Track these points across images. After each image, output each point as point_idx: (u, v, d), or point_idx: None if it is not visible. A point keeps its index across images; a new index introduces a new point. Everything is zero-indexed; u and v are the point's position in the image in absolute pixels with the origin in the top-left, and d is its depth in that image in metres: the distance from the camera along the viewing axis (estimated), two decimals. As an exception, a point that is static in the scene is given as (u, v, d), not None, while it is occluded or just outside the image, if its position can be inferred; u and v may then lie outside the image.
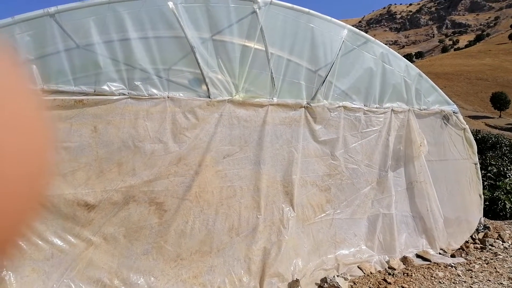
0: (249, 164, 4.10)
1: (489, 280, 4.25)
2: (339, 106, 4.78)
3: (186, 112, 3.75)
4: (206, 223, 3.79)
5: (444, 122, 5.94)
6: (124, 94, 3.45)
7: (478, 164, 6.25)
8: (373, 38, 5.10)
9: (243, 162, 4.07)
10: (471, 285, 4.12)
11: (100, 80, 3.39)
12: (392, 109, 5.26)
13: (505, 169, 10.85)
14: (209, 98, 3.89)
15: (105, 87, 3.37)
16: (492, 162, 11.65)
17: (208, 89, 3.89)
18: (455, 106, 6.10)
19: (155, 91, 3.61)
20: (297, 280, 3.92)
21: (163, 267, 3.51)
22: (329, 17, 4.64)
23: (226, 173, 3.96)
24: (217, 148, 3.90)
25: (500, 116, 69.50)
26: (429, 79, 5.76)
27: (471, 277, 4.36)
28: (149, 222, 3.50)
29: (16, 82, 0.47)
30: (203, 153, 3.81)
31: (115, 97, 3.40)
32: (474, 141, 6.20)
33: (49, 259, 3.07)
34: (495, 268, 4.60)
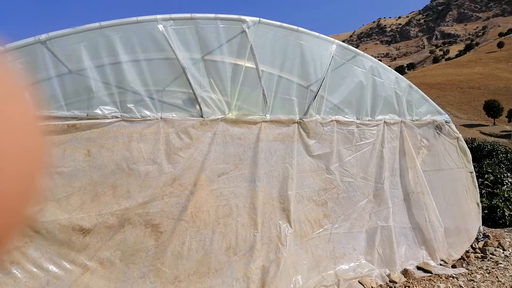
0: (244, 181, 4.10)
1: (491, 290, 4.21)
2: (332, 120, 4.82)
3: (179, 132, 3.77)
4: (203, 243, 3.76)
5: (437, 132, 5.98)
6: (117, 117, 3.47)
7: (474, 172, 6.28)
8: (362, 52, 5.18)
9: (238, 180, 4.07)
10: (474, 296, 4.08)
11: (93, 104, 3.41)
12: (384, 121, 5.30)
13: (502, 176, 10.89)
14: (202, 117, 3.92)
15: (98, 111, 3.39)
16: (489, 170, 11.68)
17: (200, 108, 3.92)
18: (447, 115, 6.16)
19: (147, 112, 3.64)
20: (297, 298, 3.87)
21: (160, 290, 3.46)
22: (317, 33, 4.72)
23: (222, 192, 3.95)
24: (212, 167, 3.91)
25: (494, 124, 70.06)
26: (420, 90, 5.84)
27: None
28: (145, 244, 3.47)
29: (20, 106, 0.48)
30: (197, 172, 3.81)
31: (108, 120, 3.42)
32: (468, 149, 6.24)
33: (44, 287, 3.03)
34: (496, 277, 4.56)
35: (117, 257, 3.32)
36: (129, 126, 3.53)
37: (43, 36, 3.12)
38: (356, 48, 5.31)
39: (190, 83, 3.83)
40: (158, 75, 3.83)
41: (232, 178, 4.03)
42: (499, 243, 5.61)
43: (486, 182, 10.36)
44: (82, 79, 3.39)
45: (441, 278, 4.65)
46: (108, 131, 3.41)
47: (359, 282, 4.50)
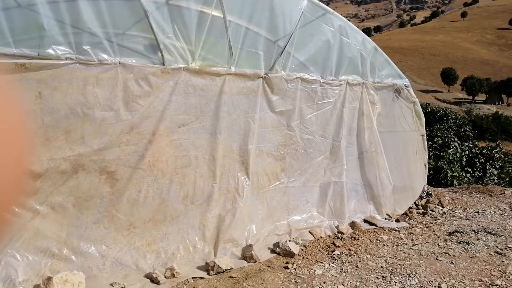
0: (205, 133, 4.09)
1: (428, 242, 4.62)
2: (297, 78, 4.82)
3: (139, 80, 3.63)
4: (160, 192, 3.77)
5: (395, 95, 6.16)
6: (71, 59, 3.26)
7: (425, 135, 6.63)
8: (332, 10, 5.12)
9: (198, 131, 4.05)
10: (412, 247, 4.46)
11: (45, 43, 3.16)
12: (347, 82, 5.38)
13: (450, 140, 11.59)
14: (164, 65, 3.78)
15: (50, 51, 3.16)
16: (438, 134, 12.38)
17: (162, 56, 3.77)
18: (407, 80, 6.34)
19: (105, 56, 3.44)
20: (250, 245, 4.05)
21: (115, 235, 3.49)
22: (288, -14, 4.57)
23: (181, 143, 3.93)
24: (172, 117, 3.84)
25: (448, 91, 73.30)
26: (384, 53, 5.92)
27: (412, 240, 4.72)
28: (100, 191, 3.43)
29: None
30: (157, 122, 3.73)
31: (61, 62, 3.20)
32: (423, 113, 6.54)
33: (-9, 230, 2.95)
34: (433, 231, 4.99)
35: (69, 202, 3.27)
36: (85, 69, 3.34)
37: (-16, -39, 2.79)
38: (326, 6, 5.22)
39: (152, 28, 3.64)
40: (118, 17, 3.59)
41: (192, 130, 4.00)
42: (440, 201, 6.09)
43: (434, 145, 11.01)
44: (32, 14, 3.11)
45: (384, 230, 5.02)
46: (61, 73, 3.21)
47: (309, 232, 4.76)
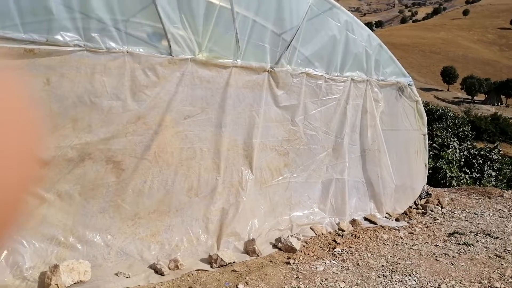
0: (210, 126, 4.07)
1: (427, 242, 4.65)
2: (302, 72, 4.80)
3: (146, 69, 3.60)
4: (165, 183, 3.77)
5: (399, 94, 6.16)
6: (79, 46, 3.22)
7: (427, 135, 6.65)
8: (338, 5, 5.08)
9: (204, 124, 4.03)
10: (412, 247, 4.49)
11: (53, 27, 3.12)
12: (352, 78, 5.36)
13: (449, 140, 11.63)
14: (171, 55, 3.74)
15: (59, 37, 3.12)
16: (438, 134, 12.40)
17: (170, 45, 3.73)
18: (410, 78, 6.33)
19: (113, 44, 3.40)
20: (253, 240, 4.07)
21: (120, 225, 3.49)
22: (296, -21, 4.53)
23: (187, 135, 3.91)
24: (178, 108, 3.82)
25: (448, 90, 73.32)
26: (388, 50, 5.90)
27: (412, 239, 4.75)
28: (106, 180, 3.42)
29: None
30: (163, 112, 3.71)
31: (69, 49, 3.17)
32: (425, 113, 6.55)
33: (-3, 216, 2.94)
34: (433, 231, 5.03)
35: (76, 191, 3.26)
36: (93, 57, 3.30)
37: None
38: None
39: (160, 16, 3.60)
40: (126, 3, 3.53)
41: (198, 122, 3.99)
42: (439, 201, 6.13)
43: (434, 144, 11.04)
44: (40, -2, 3.06)
45: (384, 229, 5.05)
46: (69, 60, 3.18)
47: (310, 228, 4.79)
